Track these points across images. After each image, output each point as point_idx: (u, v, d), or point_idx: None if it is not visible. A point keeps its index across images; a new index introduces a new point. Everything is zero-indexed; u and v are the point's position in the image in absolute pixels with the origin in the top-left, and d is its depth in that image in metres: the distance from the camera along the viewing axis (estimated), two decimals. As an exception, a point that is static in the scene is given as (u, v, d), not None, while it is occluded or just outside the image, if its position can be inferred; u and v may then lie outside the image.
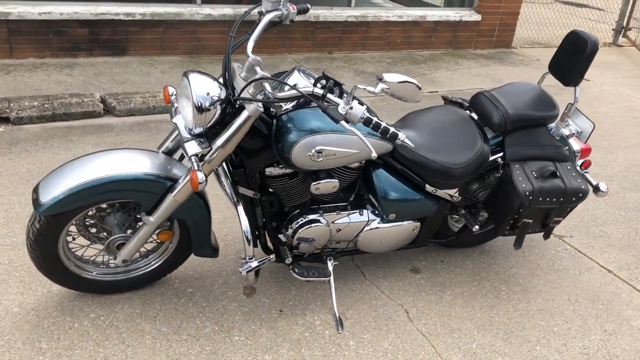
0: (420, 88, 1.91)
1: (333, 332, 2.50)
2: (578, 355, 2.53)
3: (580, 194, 2.61)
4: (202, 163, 2.14)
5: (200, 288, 2.67)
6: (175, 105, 2.38)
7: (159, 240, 2.44)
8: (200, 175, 2.02)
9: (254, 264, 2.31)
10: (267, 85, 2.06)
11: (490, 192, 2.72)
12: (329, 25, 6.39)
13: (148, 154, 2.32)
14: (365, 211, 2.58)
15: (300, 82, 2.20)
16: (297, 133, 2.18)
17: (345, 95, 1.97)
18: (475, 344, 2.53)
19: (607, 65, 7.48)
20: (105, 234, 2.39)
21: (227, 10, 5.84)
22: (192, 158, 2.12)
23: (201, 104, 2.06)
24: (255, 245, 2.53)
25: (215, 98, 2.09)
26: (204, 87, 2.08)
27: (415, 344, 2.49)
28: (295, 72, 2.25)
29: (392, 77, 1.89)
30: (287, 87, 2.04)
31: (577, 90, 2.72)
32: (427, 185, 2.58)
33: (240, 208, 2.25)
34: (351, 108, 1.91)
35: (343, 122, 1.92)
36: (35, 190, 2.20)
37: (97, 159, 2.25)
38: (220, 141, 2.14)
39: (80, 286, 2.47)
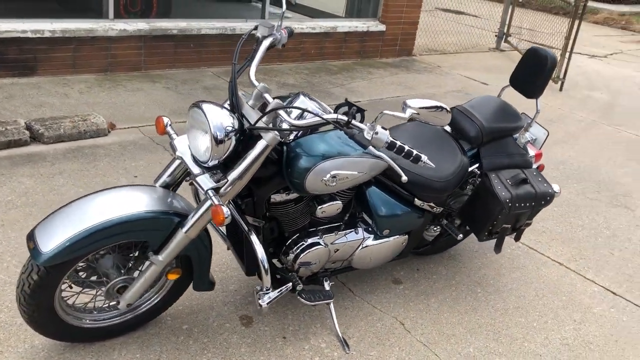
0: (449, 112, 1.99)
1: (341, 353, 2.51)
2: (560, 347, 2.74)
3: (548, 197, 2.84)
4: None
5: (195, 323, 2.57)
6: (174, 137, 2.27)
7: (168, 279, 2.31)
8: (225, 210, 1.96)
9: (274, 294, 2.27)
10: (283, 114, 2.04)
11: (468, 201, 2.87)
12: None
13: (148, 190, 2.20)
14: (359, 229, 2.62)
15: (310, 106, 2.20)
16: (310, 159, 2.18)
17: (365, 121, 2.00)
18: (471, 347, 2.66)
19: (498, 69, 8.09)
20: (99, 278, 2.23)
21: (141, 25, 5.61)
22: (210, 192, 2.05)
23: (218, 136, 1.99)
24: (252, 274, 2.49)
25: (230, 128, 2.03)
26: (219, 118, 2.02)
27: (419, 355, 2.57)
28: (302, 96, 2.24)
29: (418, 103, 1.94)
30: (309, 115, 2.03)
31: (539, 102, 2.95)
32: (415, 199, 2.67)
33: (254, 237, 2.20)
34: (376, 133, 1.95)
35: (371, 148, 1.94)
36: (32, 239, 2.00)
37: (96, 200, 2.09)
38: (236, 173, 2.08)
39: (73, 336, 2.28)
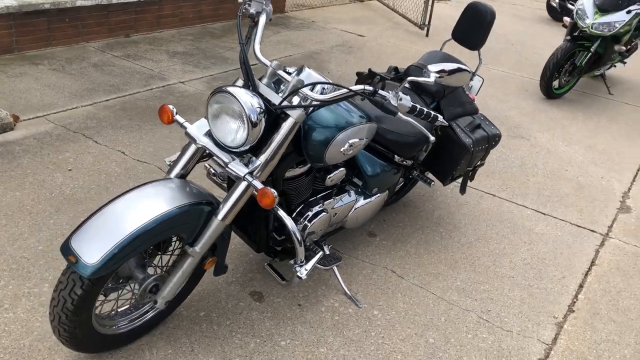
0: (470, 71, 2.15)
1: (355, 308, 2.67)
2: (524, 267, 3.15)
3: (497, 138, 3.18)
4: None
5: (210, 308, 2.56)
6: (187, 125, 2.20)
7: (205, 269, 2.27)
8: (273, 191, 1.98)
9: (309, 265, 2.34)
10: (307, 90, 2.08)
11: (433, 151, 3.12)
12: (123, 7, 5.94)
13: (169, 184, 2.12)
14: (351, 192, 2.75)
15: (322, 79, 2.24)
16: (328, 131, 2.24)
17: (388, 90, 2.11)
18: (458, 281, 2.97)
19: (367, 20, 8.44)
20: (121, 282, 2.15)
21: (9, 1, 5.02)
22: (248, 177, 2.04)
23: (253, 118, 1.99)
24: (263, 251, 2.52)
25: (260, 110, 2.03)
26: (250, 100, 2.01)
27: (420, 296, 2.82)
28: (307, 69, 2.26)
29: (439, 67, 2.09)
30: (334, 87, 2.09)
31: (480, 53, 3.24)
32: (395, 156, 2.85)
33: (282, 212, 2.23)
34: (400, 99, 2.07)
35: (400, 114, 2.07)
36: (70, 252, 1.86)
37: (126, 203, 1.98)
38: (268, 153, 2.09)
39: (111, 345, 2.18)
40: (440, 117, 2.20)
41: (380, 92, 2.07)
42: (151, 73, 5.17)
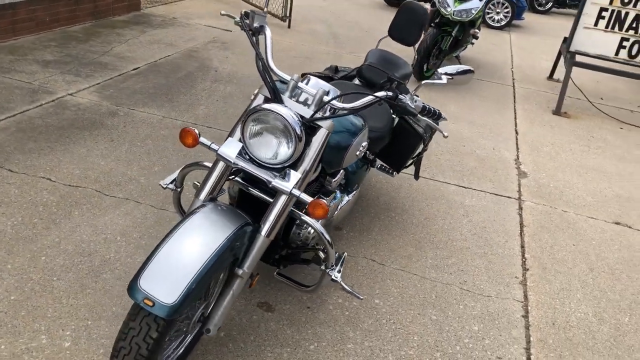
0: (473, 71, 2.36)
1: (358, 301, 2.81)
2: (475, 237, 3.52)
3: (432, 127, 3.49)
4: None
5: (228, 327, 2.52)
6: (216, 147, 2.14)
7: (250, 287, 2.23)
8: (326, 201, 2.04)
9: (340, 266, 2.41)
10: (336, 102, 2.15)
11: (389, 143, 3.33)
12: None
13: (213, 209, 2.05)
14: (337, 191, 2.87)
15: (324, 85, 2.31)
16: (345, 137, 2.34)
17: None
18: (429, 259, 3.24)
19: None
20: None
21: None
22: (295, 192, 2.07)
23: (299, 132, 2.02)
24: (268, 261, 2.55)
25: (300, 124, 2.06)
26: (292, 116, 2.03)
27: (406, 279, 3.04)
28: (312, 78, 2.31)
29: (450, 69, 2.28)
30: (357, 97, 2.18)
31: (415, 48, 3.50)
32: (367, 152, 3.02)
33: (307, 217, 2.27)
34: (415, 101, 2.24)
35: (418, 115, 2.24)
36: (142, 295, 1.75)
37: (184, 238, 1.90)
38: (307, 165, 2.13)
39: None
40: (444, 114, 2.41)
41: (401, 97, 2.21)
42: (31, 87, 4.69)
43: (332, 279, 2.39)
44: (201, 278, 1.82)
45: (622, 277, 3.34)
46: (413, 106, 2.21)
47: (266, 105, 2.02)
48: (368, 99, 2.18)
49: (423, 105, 2.26)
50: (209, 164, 2.41)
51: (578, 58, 6.10)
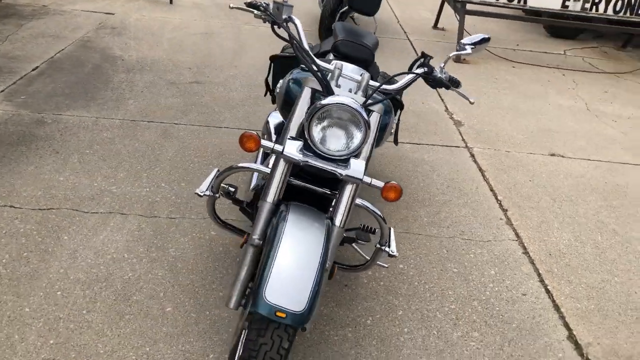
0: (489, 38, 2.48)
1: (385, 269, 2.93)
2: (448, 188, 3.76)
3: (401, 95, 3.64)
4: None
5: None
6: (279, 147, 2.08)
7: (330, 279, 2.23)
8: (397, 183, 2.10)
9: (394, 241, 2.48)
10: (385, 85, 2.20)
11: (368, 113, 3.41)
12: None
13: (296, 211, 2.03)
14: None
15: (355, 68, 2.35)
16: (384, 117, 2.40)
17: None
18: (423, 217, 3.42)
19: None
20: None
21: None
22: (366, 179, 2.09)
23: (367, 121, 2.04)
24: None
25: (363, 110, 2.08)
26: (357, 104, 2.04)
27: (414, 240, 3.20)
28: (344, 63, 2.31)
29: (471, 40, 2.39)
30: (400, 77, 2.24)
31: (376, 18, 3.57)
32: None
33: (360, 200, 2.32)
34: (445, 74, 2.36)
35: (451, 87, 2.35)
36: (272, 309, 1.72)
37: (292, 246, 1.87)
38: (367, 150, 2.17)
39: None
40: (461, 83, 2.54)
41: (435, 72, 2.30)
42: None
43: (390, 254, 2.46)
44: (319, 280, 1.82)
45: (579, 202, 3.78)
46: (445, 79, 2.30)
47: (331, 101, 2.00)
48: (409, 77, 2.24)
49: (451, 77, 2.37)
50: (248, 165, 2.36)
51: (468, 6, 6.54)
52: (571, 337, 2.62)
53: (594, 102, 5.72)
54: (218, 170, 2.58)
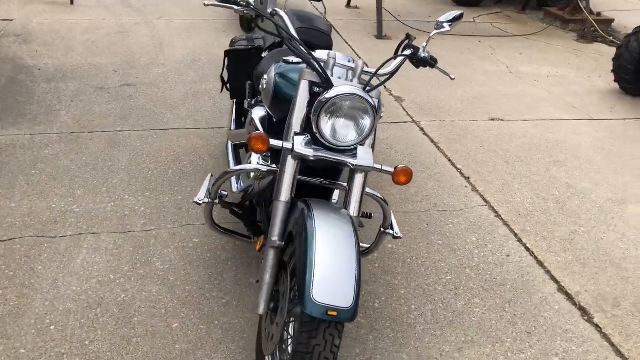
0: (463, 14, 2.53)
1: (376, 252, 2.96)
2: (409, 163, 3.86)
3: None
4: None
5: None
6: (289, 144, 2.03)
7: None
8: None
9: (395, 222, 2.50)
10: (382, 70, 2.21)
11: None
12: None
13: (319, 207, 1.97)
14: None
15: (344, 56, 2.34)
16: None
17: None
18: (396, 194, 3.48)
19: None
20: None
21: None
22: (377, 166, 2.10)
23: (373, 104, 2.04)
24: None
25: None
26: (362, 91, 2.04)
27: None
28: (337, 53, 2.29)
29: (447, 17, 2.44)
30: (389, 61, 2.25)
31: (324, 4, 3.54)
32: None
33: (369, 189, 2.33)
34: (427, 53, 2.40)
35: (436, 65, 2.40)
36: (323, 309, 1.70)
37: (326, 244, 1.83)
38: (372, 138, 2.17)
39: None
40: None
41: (420, 52, 2.33)
42: None
43: (395, 236, 2.48)
44: (359, 272, 1.81)
45: (529, 161, 4.00)
46: (429, 58, 2.34)
47: (338, 92, 1.98)
48: (399, 60, 2.26)
49: (431, 55, 2.41)
50: (243, 167, 2.32)
51: (383, -17, 6.64)
52: (561, 289, 2.79)
53: (514, 65, 6.03)
54: (212, 176, 2.49)
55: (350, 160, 2.05)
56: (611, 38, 7.16)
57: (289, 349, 1.93)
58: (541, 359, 2.37)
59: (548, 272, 2.89)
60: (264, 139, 1.97)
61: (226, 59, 3.33)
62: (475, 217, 3.30)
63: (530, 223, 3.28)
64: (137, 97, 4.58)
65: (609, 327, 2.56)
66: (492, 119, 4.62)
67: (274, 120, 2.47)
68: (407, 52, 2.26)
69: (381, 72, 2.20)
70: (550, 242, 3.12)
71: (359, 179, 2.11)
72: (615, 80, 5.42)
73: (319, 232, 1.84)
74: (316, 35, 3.13)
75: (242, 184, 2.65)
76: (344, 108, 1.99)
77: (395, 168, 2.08)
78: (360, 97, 1.98)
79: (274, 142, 2.00)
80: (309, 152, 2.02)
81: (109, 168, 3.53)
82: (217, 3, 2.25)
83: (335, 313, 1.70)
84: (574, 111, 4.94)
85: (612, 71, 5.39)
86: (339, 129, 2.03)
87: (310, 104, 2.07)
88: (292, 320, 1.96)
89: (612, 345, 2.47)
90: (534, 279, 2.84)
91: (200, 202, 2.30)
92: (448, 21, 2.43)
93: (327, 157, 2.04)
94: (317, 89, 2.11)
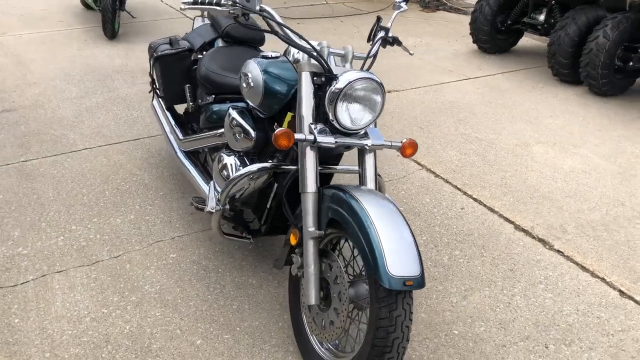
0: None
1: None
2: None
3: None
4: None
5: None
6: (310, 136, 2.06)
7: None
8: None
9: None
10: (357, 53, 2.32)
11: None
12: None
13: (357, 189, 2.04)
14: None
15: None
16: None
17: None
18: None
19: None
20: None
21: None
22: (386, 142, 2.22)
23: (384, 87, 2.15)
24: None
25: (371, 75, 2.17)
26: (368, 72, 2.13)
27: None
28: (323, 42, 2.33)
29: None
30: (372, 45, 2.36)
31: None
32: None
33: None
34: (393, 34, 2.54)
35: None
36: (400, 281, 1.79)
37: (381, 217, 1.90)
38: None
39: None
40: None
41: (390, 33, 2.47)
42: None
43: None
44: (416, 241, 1.92)
45: (438, 123, 4.35)
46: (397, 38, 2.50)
47: (351, 77, 2.05)
48: (378, 44, 2.38)
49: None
50: (246, 170, 2.31)
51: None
52: (517, 227, 3.13)
53: (383, 39, 6.41)
54: (214, 183, 2.43)
55: (365, 142, 2.14)
56: (450, 4, 7.88)
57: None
58: (531, 289, 2.68)
59: (501, 215, 3.23)
60: (290, 135, 1.99)
61: (156, 65, 3.19)
62: (419, 180, 3.54)
63: (466, 177, 3.61)
64: (26, 123, 4.16)
65: (569, 250, 2.95)
66: (389, 91, 4.92)
67: (262, 117, 2.45)
68: (382, 33, 2.38)
69: (364, 55, 2.29)
70: (490, 190, 3.47)
71: (370, 158, 2.20)
72: (474, 42, 6.02)
73: (370, 210, 1.91)
74: (250, 31, 3.12)
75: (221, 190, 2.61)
76: (358, 93, 2.06)
77: (403, 142, 2.20)
78: (370, 79, 2.07)
79: (297, 136, 2.02)
80: (331, 140, 2.07)
81: (36, 202, 3.21)
82: (196, 6, 2.18)
83: (412, 282, 1.80)
84: (451, 74, 5.42)
85: (470, 34, 5.98)
86: (355, 114, 2.10)
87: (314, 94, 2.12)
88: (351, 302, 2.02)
89: (577, 264, 2.85)
90: (492, 224, 3.15)
91: (213, 211, 2.24)
92: (403, 0, 2.58)
93: (346, 143, 2.11)
94: (317, 79, 2.15)
